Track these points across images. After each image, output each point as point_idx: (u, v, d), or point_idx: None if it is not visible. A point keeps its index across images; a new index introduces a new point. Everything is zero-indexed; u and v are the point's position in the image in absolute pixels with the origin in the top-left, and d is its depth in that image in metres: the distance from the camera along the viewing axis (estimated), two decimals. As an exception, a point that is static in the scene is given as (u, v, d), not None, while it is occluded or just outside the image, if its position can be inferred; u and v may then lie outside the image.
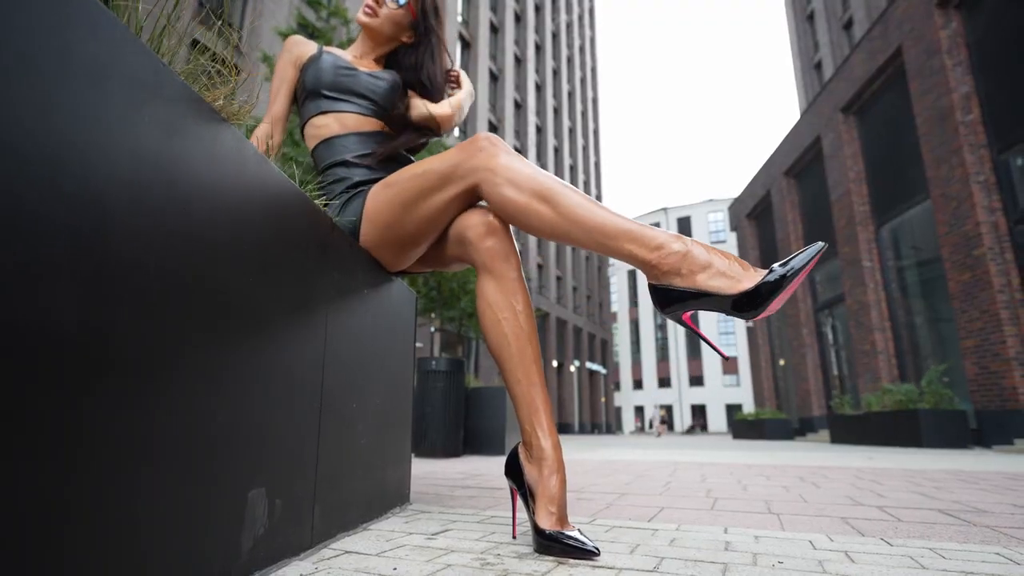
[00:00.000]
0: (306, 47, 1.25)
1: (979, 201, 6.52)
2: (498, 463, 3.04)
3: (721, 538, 0.97)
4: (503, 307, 0.93)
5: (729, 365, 39.30)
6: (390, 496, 1.20)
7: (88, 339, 0.45)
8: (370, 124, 1.20)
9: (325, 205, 1.03)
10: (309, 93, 1.20)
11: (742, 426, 11.73)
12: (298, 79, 1.24)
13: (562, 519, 0.82)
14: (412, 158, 1.28)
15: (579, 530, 0.82)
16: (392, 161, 1.20)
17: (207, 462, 0.60)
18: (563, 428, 24.90)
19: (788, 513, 1.28)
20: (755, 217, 13.96)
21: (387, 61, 1.35)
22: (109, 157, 0.48)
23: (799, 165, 11.49)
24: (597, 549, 0.79)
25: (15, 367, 0.39)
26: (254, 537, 0.68)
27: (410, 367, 1.37)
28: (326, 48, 1.27)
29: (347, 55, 1.29)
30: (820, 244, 0.75)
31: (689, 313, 0.82)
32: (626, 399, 43.15)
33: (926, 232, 7.75)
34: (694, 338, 40.74)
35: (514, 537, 0.94)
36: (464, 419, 3.93)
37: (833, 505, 1.42)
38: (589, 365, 31.63)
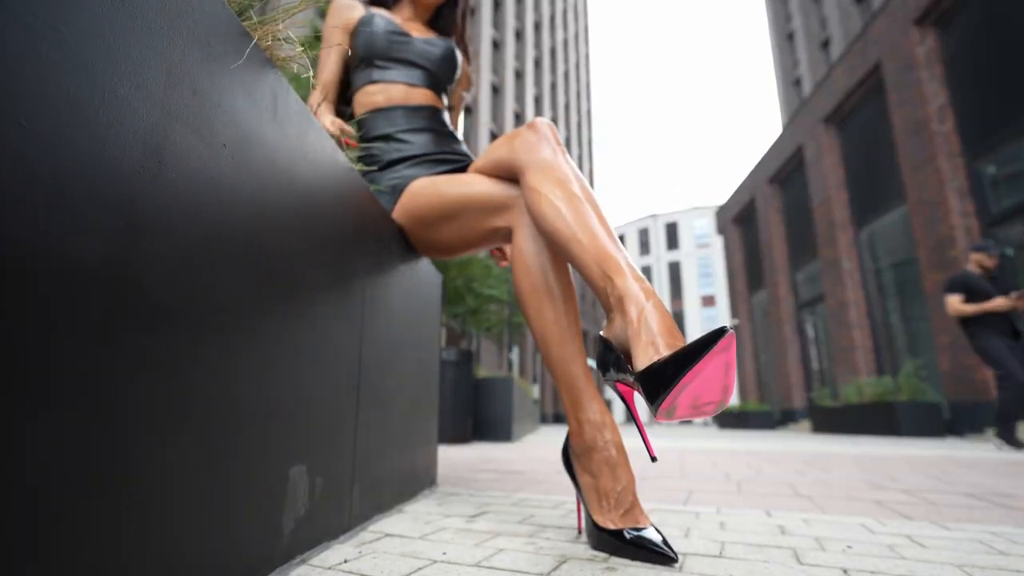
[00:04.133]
0: (352, 11, 1.13)
1: (953, 206, 6.46)
2: (506, 449, 2.95)
3: (769, 522, 0.87)
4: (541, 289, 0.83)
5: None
6: (420, 478, 1.11)
7: (129, 292, 0.35)
8: (419, 95, 1.09)
9: (365, 174, 0.93)
10: (362, 60, 1.09)
11: (728, 417, 11.65)
12: (352, 44, 1.11)
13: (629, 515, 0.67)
14: (461, 143, 1.12)
15: (654, 528, 0.65)
16: (445, 137, 1.08)
17: (248, 433, 0.50)
18: (561, 419, 24.80)
19: (819, 496, 1.19)
20: (740, 222, 13.90)
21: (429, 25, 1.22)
22: (163, 114, 0.38)
23: (782, 172, 11.43)
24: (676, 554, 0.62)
25: (40, 302, 0.29)
26: (295, 518, 0.59)
27: (436, 348, 1.28)
28: (372, 8, 1.15)
29: (396, 17, 1.16)
30: (724, 327, 0.48)
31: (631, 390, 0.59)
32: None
33: (903, 236, 7.69)
34: (683, 323, 40.31)
35: (580, 533, 0.77)
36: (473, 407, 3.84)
37: (857, 488, 1.33)
38: (589, 364, 31.49)
